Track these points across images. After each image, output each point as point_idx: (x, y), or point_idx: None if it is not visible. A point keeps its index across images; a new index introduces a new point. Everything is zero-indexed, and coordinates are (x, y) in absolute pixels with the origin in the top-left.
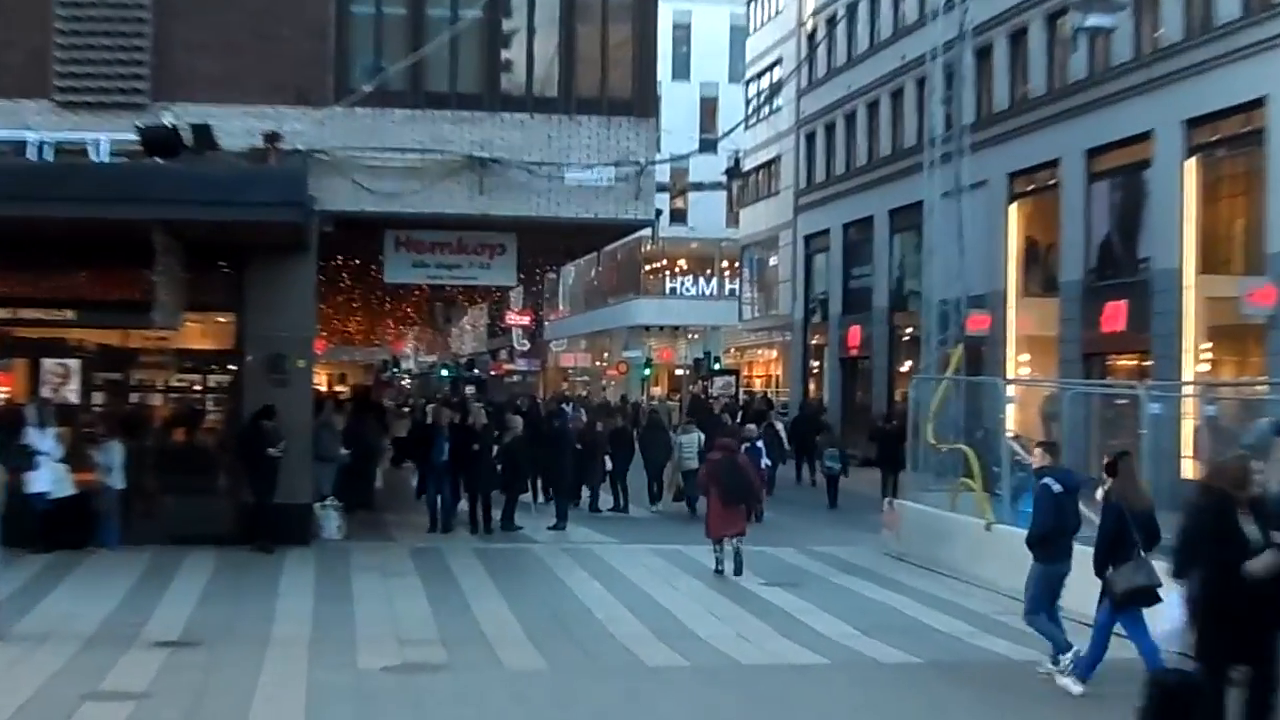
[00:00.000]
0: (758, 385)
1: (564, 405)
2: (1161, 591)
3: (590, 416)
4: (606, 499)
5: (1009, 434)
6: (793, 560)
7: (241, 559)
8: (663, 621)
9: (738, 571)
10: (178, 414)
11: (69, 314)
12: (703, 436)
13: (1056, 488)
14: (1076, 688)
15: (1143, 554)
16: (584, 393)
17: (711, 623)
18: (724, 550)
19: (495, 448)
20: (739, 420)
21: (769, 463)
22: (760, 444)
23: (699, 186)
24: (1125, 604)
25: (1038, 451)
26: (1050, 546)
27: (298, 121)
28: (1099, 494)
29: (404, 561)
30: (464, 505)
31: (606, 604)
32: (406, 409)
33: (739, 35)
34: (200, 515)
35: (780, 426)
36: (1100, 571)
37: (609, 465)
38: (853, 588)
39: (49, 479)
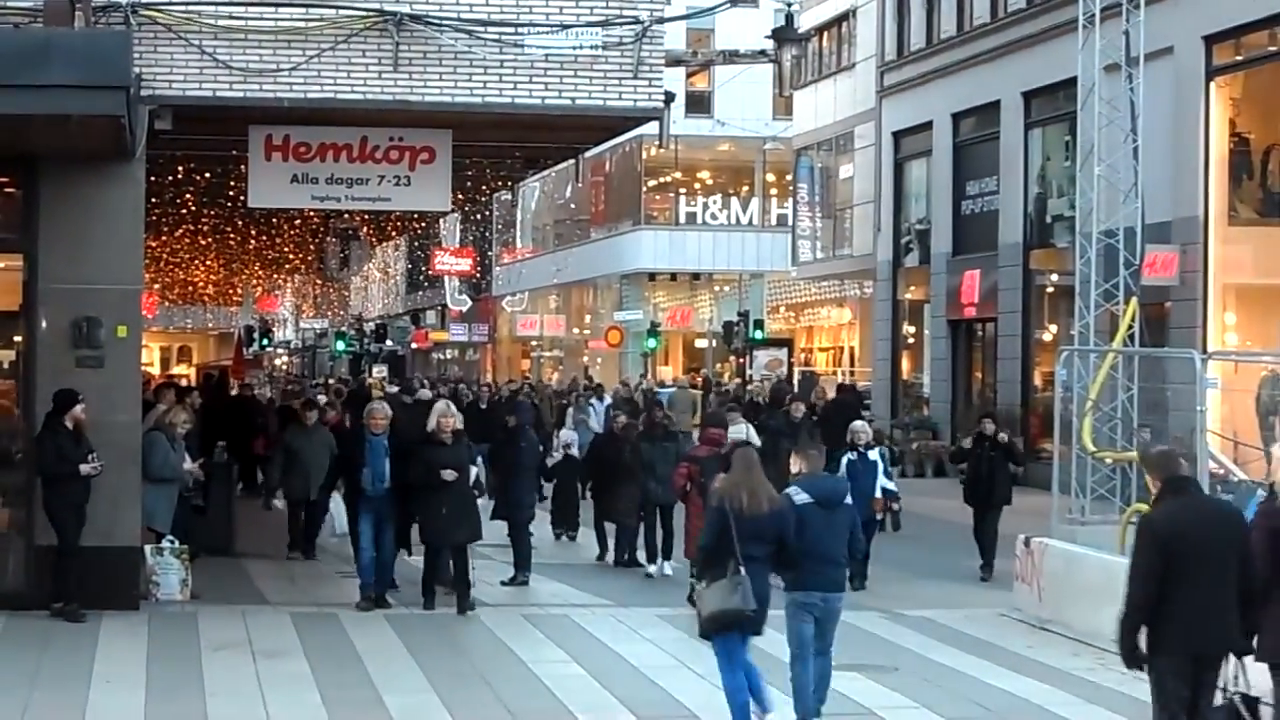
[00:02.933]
0: (821, 362)
1: (524, 394)
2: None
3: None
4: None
5: (1208, 434)
6: (875, 629)
7: (37, 630)
8: None
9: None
10: None
11: None
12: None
13: None
14: None
15: (742, 571)
16: (555, 375)
17: None
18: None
19: (478, 467)
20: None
21: (892, 486)
22: (879, 456)
23: (732, 57)
24: (711, 629)
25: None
26: None
27: None
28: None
29: (282, 635)
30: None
31: (594, 703)
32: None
33: None
34: None
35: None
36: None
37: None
38: (968, 671)
39: None
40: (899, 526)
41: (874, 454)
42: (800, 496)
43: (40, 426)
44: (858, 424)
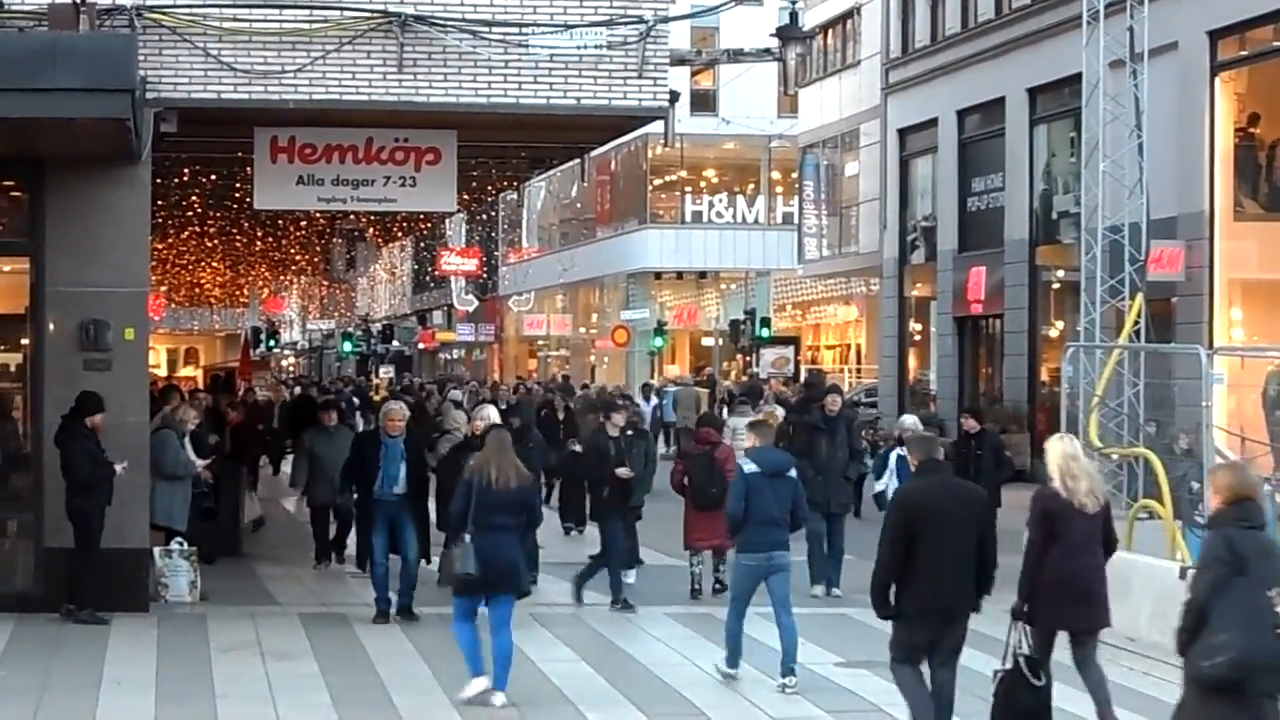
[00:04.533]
0: (828, 360)
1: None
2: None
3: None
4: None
5: (1215, 429)
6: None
7: (47, 633)
8: None
9: (717, 589)
10: None
11: None
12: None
13: None
14: None
15: (467, 539)
16: (560, 374)
17: None
18: (701, 564)
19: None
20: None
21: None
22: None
23: (736, 55)
24: (457, 590)
25: None
26: None
27: None
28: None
29: (292, 637)
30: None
31: (603, 701)
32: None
33: None
34: None
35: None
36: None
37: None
38: (976, 666)
39: None
40: None
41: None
42: (749, 466)
43: (58, 430)
44: (907, 419)
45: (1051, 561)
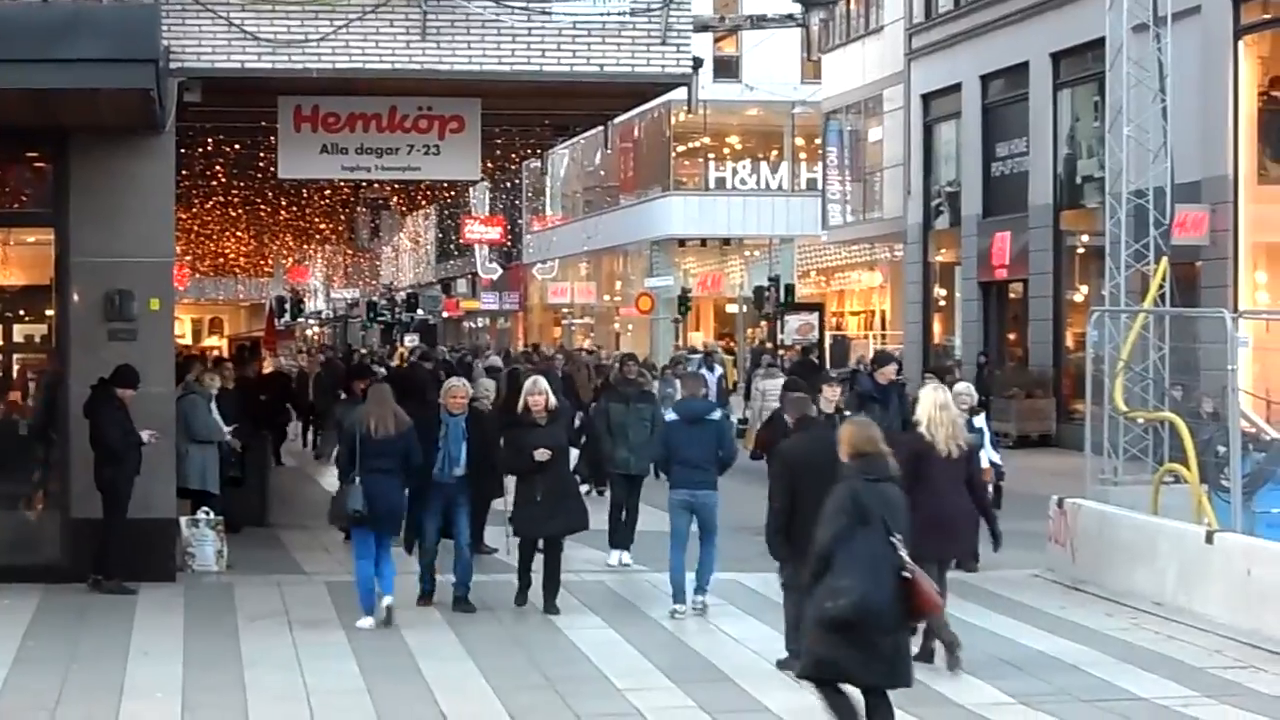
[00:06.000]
0: (852, 326)
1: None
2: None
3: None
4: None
5: (1240, 392)
6: None
7: (74, 603)
8: (713, 689)
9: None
10: None
11: None
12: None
13: None
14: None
15: (356, 480)
16: (588, 345)
17: (788, 689)
18: None
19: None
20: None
21: (998, 459)
22: (985, 427)
23: (759, 21)
24: (340, 525)
25: None
26: None
27: None
28: None
29: (319, 605)
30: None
31: (631, 668)
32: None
33: None
34: (10, 537)
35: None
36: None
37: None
38: (1002, 632)
39: None
40: (998, 506)
41: (979, 421)
42: (670, 416)
43: (88, 400)
44: (962, 386)
45: (919, 501)
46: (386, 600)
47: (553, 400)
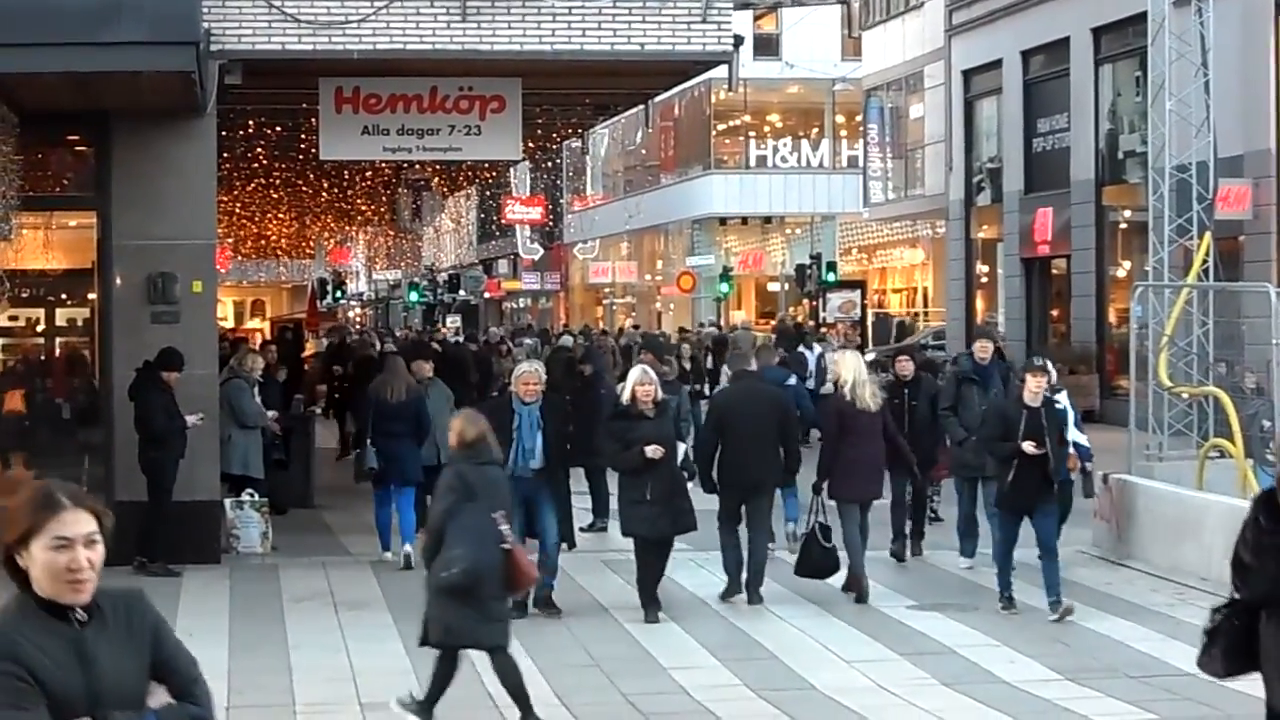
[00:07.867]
0: (894, 304)
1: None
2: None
3: None
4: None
5: None
6: (955, 569)
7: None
8: (761, 666)
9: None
10: (13, 369)
11: None
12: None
13: None
14: None
15: (368, 444)
16: (630, 322)
17: (835, 667)
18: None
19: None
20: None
21: (1084, 441)
22: (1067, 404)
23: None
24: (366, 480)
25: None
26: None
27: None
28: None
29: (364, 586)
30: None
31: (675, 647)
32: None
33: None
34: None
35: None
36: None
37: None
38: (1047, 609)
39: None
40: (1091, 493)
41: (1061, 398)
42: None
43: (133, 383)
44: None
45: (843, 450)
46: (406, 548)
47: (660, 391)
